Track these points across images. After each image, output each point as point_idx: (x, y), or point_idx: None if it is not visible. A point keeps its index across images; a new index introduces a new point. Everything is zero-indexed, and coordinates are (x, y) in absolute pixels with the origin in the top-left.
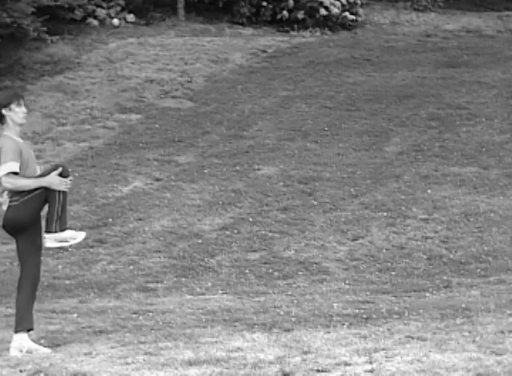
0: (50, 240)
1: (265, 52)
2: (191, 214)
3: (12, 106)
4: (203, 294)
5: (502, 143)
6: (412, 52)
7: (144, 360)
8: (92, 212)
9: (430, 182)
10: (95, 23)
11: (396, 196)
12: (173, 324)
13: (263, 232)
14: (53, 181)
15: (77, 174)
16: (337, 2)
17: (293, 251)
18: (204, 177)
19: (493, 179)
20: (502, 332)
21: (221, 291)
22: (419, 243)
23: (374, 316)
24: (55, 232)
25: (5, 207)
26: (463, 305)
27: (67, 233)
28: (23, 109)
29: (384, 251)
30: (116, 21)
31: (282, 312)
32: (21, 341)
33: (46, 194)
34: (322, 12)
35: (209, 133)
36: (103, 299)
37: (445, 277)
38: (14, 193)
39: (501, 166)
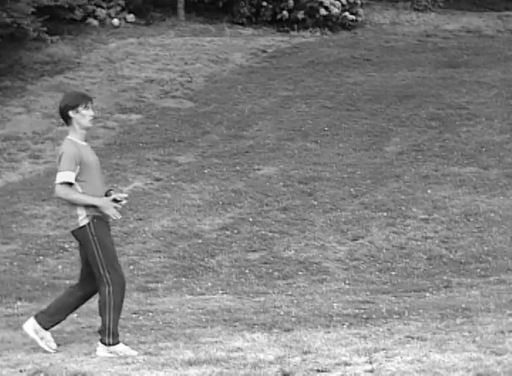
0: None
1: (265, 52)
2: (191, 214)
3: (80, 108)
4: (203, 294)
5: (502, 143)
6: (412, 52)
7: (144, 360)
8: None
9: (430, 182)
10: (95, 23)
11: (396, 196)
12: (173, 324)
13: (263, 232)
14: (106, 205)
15: None
16: (337, 2)
17: (293, 251)
18: (204, 177)
19: (493, 179)
20: (502, 332)
21: (221, 291)
22: (419, 243)
23: (374, 316)
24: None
25: (80, 218)
26: (463, 305)
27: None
28: (91, 112)
29: (384, 251)
30: (116, 21)
31: (282, 312)
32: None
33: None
34: (322, 12)
35: (209, 133)
36: None
37: (445, 277)
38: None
39: (501, 166)
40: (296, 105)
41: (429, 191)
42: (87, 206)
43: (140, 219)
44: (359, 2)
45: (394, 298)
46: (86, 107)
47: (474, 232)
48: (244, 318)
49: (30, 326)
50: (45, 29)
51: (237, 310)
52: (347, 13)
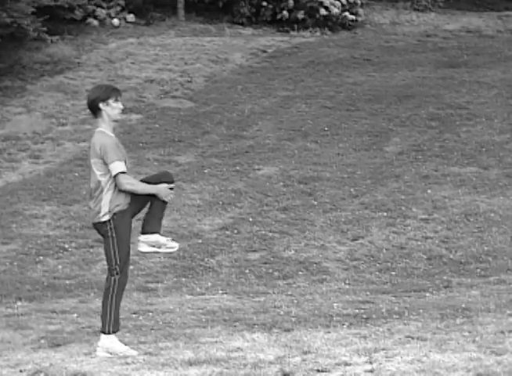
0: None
1: (265, 52)
2: (191, 214)
3: (110, 100)
4: (203, 294)
5: (503, 143)
6: (412, 52)
7: (144, 360)
8: None
9: (430, 182)
10: (95, 23)
11: (396, 196)
12: (173, 324)
13: (263, 232)
14: (163, 191)
15: (77, 174)
16: (337, 2)
17: (293, 251)
18: (204, 177)
19: (493, 179)
20: (502, 332)
21: (221, 291)
22: (419, 243)
23: (374, 316)
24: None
25: (105, 210)
26: (463, 305)
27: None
28: (120, 105)
29: (384, 251)
30: (116, 21)
31: (282, 312)
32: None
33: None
34: (322, 12)
35: (209, 133)
36: None
37: (445, 277)
38: (117, 197)
39: (501, 166)
40: (296, 105)
41: (429, 191)
42: (111, 203)
43: (140, 219)
44: (359, 2)
45: (394, 298)
46: (116, 100)
47: (474, 232)
48: (244, 318)
49: (144, 245)
50: (45, 29)
51: (237, 310)
52: (347, 13)
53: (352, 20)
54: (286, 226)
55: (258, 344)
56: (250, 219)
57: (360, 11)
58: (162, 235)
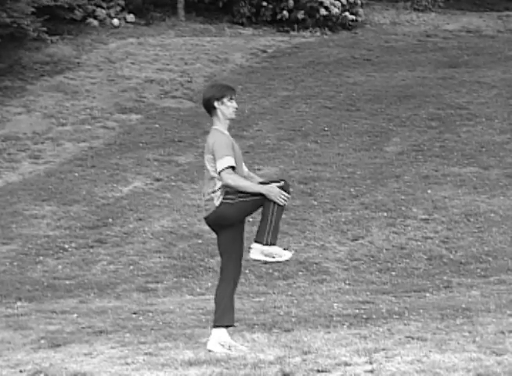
0: (256, 252)
1: (265, 52)
2: (191, 214)
3: (225, 99)
4: (203, 294)
5: (503, 143)
6: (412, 52)
7: (144, 360)
8: (92, 212)
9: (430, 182)
10: (95, 23)
11: (396, 196)
12: (173, 324)
13: None
14: (273, 191)
15: (77, 174)
16: (337, 2)
17: (293, 251)
18: None
19: (493, 179)
20: (502, 332)
21: None
22: (419, 243)
23: (374, 317)
24: (266, 244)
25: (216, 203)
26: (463, 306)
27: (275, 249)
28: (235, 104)
29: (384, 251)
30: (116, 21)
31: (282, 312)
32: (222, 336)
33: (262, 202)
34: (322, 12)
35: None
36: (103, 299)
37: (445, 277)
38: (232, 192)
39: (501, 166)
40: (296, 105)
41: (429, 191)
42: (225, 197)
43: (140, 219)
44: (359, 2)
45: (394, 298)
46: (231, 99)
47: (474, 232)
48: (244, 318)
49: (215, 343)
50: (44, 29)
51: (237, 310)
52: (347, 13)
53: (352, 20)
54: (286, 226)
55: (258, 344)
56: (250, 219)
57: (360, 11)
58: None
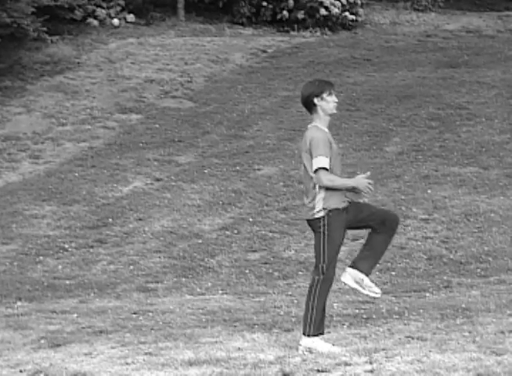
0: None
1: (265, 52)
2: (191, 214)
3: (324, 95)
4: (203, 294)
5: (503, 143)
6: (412, 52)
7: (144, 360)
8: (92, 212)
9: (430, 182)
10: (95, 23)
11: (396, 196)
12: (173, 324)
13: (263, 232)
14: (362, 182)
15: (77, 174)
16: (337, 2)
17: (293, 251)
18: (204, 177)
19: (493, 179)
20: (502, 332)
21: (221, 291)
22: (419, 243)
23: (374, 316)
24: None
25: (318, 213)
26: (463, 306)
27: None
28: (334, 98)
29: None
30: (116, 21)
31: (282, 312)
32: (358, 275)
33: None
34: (322, 12)
35: (209, 133)
36: (103, 299)
37: (445, 277)
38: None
39: (501, 166)
40: (296, 105)
41: (429, 191)
42: (325, 199)
43: (140, 219)
44: (359, 2)
45: (394, 298)
46: (330, 94)
47: (474, 232)
48: (244, 318)
49: (350, 278)
50: (45, 29)
51: (237, 310)
52: (347, 13)
53: (352, 20)
54: (286, 226)
55: (258, 344)
56: (250, 219)
57: (360, 11)
58: (369, 278)
